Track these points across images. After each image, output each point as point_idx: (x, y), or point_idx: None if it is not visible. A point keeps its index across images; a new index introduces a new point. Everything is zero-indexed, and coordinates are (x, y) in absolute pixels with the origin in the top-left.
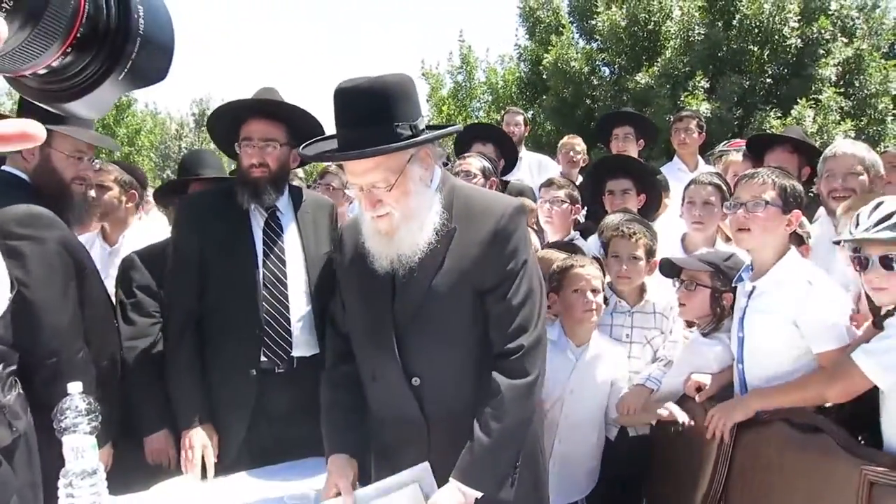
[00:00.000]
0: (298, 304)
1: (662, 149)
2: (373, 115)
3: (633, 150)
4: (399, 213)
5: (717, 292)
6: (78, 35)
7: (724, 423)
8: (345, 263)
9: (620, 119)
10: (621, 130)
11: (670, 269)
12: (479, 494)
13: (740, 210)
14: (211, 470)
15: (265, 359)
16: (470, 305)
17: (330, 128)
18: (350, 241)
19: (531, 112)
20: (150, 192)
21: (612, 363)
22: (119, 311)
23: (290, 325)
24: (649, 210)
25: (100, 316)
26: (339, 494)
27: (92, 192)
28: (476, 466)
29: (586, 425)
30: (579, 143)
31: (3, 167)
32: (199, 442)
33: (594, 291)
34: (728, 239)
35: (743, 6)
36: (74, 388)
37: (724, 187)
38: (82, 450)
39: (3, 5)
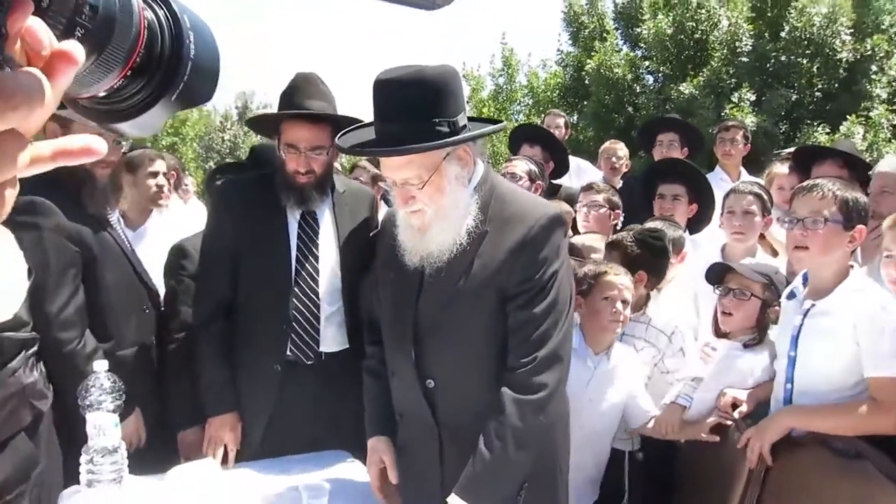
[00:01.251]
0: (329, 301)
1: (704, 159)
2: (411, 109)
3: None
4: (432, 210)
5: (767, 305)
6: (135, 62)
7: (761, 445)
8: (382, 255)
9: (665, 125)
10: (666, 137)
11: (716, 275)
12: None
13: (797, 227)
14: (232, 458)
15: (290, 353)
16: (492, 313)
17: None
18: (388, 232)
19: (573, 117)
20: (189, 181)
21: (631, 373)
22: (170, 299)
23: (319, 322)
24: (699, 223)
25: (115, 303)
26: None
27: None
28: (476, 483)
29: (602, 435)
30: (622, 149)
31: None
32: (223, 429)
33: (624, 302)
34: (774, 252)
35: (793, 18)
36: (100, 365)
37: (766, 196)
38: (104, 427)
39: (77, 31)
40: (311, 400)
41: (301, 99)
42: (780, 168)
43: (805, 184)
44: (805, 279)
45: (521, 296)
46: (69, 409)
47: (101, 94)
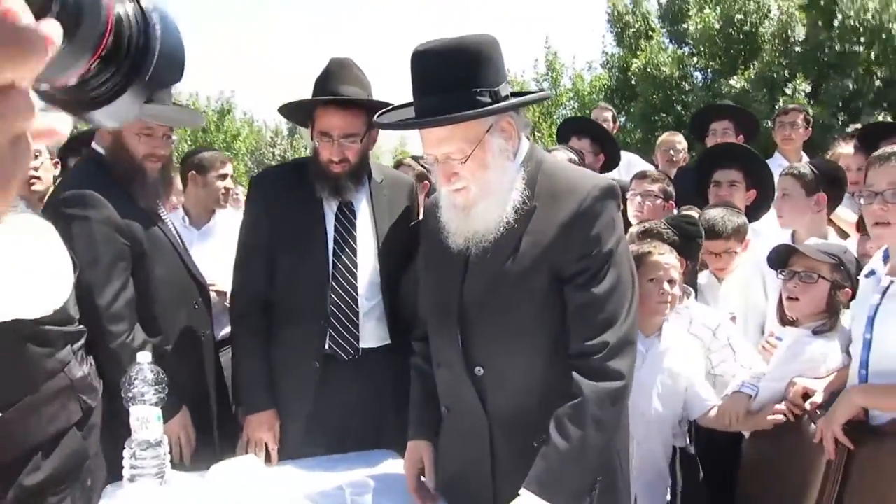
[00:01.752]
0: (368, 295)
1: (761, 148)
2: (450, 80)
3: None
4: (476, 187)
5: (836, 287)
6: (104, 49)
7: (833, 430)
8: (426, 240)
9: (718, 112)
10: (720, 125)
11: (780, 258)
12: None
13: (876, 201)
14: (274, 456)
15: (329, 349)
16: (544, 294)
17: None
18: (431, 217)
19: (620, 119)
20: (240, 190)
21: (687, 356)
22: None
23: (357, 317)
24: (758, 210)
25: (165, 297)
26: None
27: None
28: (553, 475)
29: (664, 424)
30: (681, 141)
31: (92, 145)
32: (261, 429)
33: (671, 282)
34: (844, 234)
35: (844, 5)
36: (143, 357)
37: (812, 175)
38: (147, 420)
39: (51, 11)
40: (352, 397)
41: (334, 84)
42: (845, 148)
43: (880, 152)
44: (886, 255)
45: (580, 275)
46: (118, 403)
47: (73, 82)
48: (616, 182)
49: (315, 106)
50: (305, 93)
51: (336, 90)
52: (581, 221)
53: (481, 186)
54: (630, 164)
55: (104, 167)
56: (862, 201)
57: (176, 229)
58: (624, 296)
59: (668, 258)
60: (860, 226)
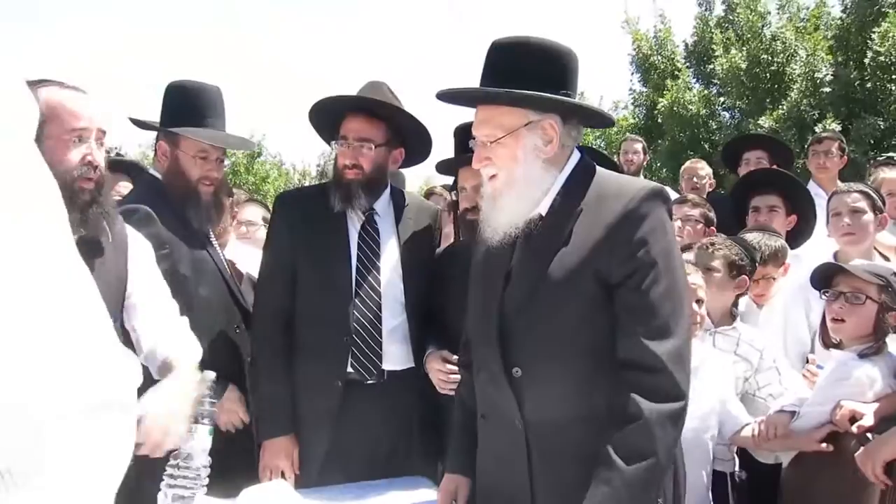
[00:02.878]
0: (392, 315)
1: None
2: (512, 72)
3: None
4: (503, 175)
5: (884, 309)
6: None
7: (872, 464)
8: (473, 257)
9: (751, 143)
10: (753, 155)
11: (824, 278)
12: None
13: None
14: (290, 484)
15: (352, 370)
16: (588, 298)
17: (437, 133)
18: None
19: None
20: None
21: (719, 375)
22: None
23: (381, 336)
24: (801, 235)
25: (205, 319)
26: None
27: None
28: (615, 501)
29: (696, 447)
30: (703, 168)
31: (150, 170)
32: (278, 456)
33: (698, 302)
34: (885, 258)
35: (875, 44)
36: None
37: (875, 194)
38: (198, 435)
39: None
40: (374, 422)
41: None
42: (889, 173)
43: None
44: None
45: (629, 278)
46: None
47: None
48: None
49: (342, 117)
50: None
51: (360, 98)
52: (627, 222)
53: (507, 177)
54: None
55: (160, 189)
56: None
57: (223, 254)
58: (679, 304)
59: (694, 278)
60: None
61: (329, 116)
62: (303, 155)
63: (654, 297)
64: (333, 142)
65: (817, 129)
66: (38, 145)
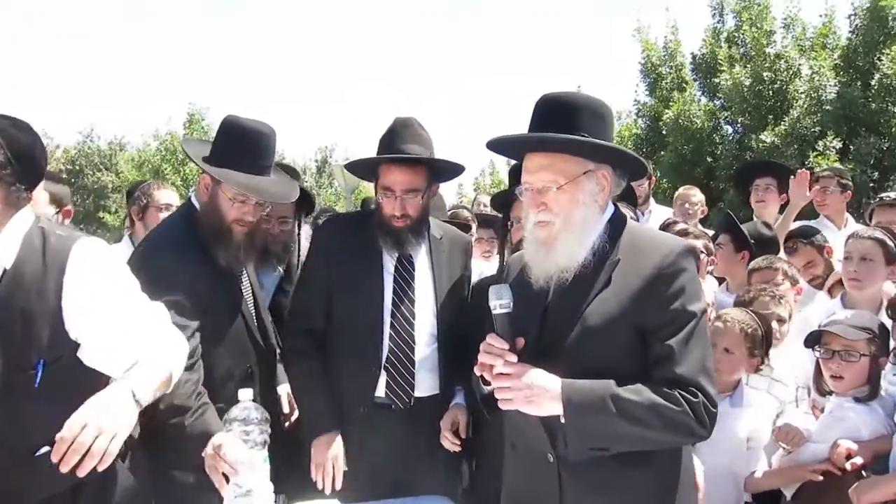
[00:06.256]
0: (425, 345)
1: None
2: (564, 121)
3: (773, 203)
4: (560, 221)
5: (875, 359)
6: None
7: (858, 500)
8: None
9: (762, 169)
10: (763, 181)
11: (815, 339)
12: (559, 408)
13: None
14: (339, 479)
15: (385, 396)
16: (624, 346)
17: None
18: (515, 266)
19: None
20: None
21: (752, 413)
22: None
23: (414, 365)
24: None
25: (216, 355)
26: None
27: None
28: (588, 394)
29: (725, 483)
30: (696, 194)
31: (191, 199)
32: (328, 451)
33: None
34: None
35: (884, 66)
36: (245, 395)
37: (892, 242)
38: (253, 465)
39: None
40: (400, 444)
41: (398, 143)
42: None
43: None
44: None
45: (667, 326)
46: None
47: None
48: None
49: (379, 163)
50: (326, 133)
51: (399, 148)
52: (665, 275)
53: (565, 221)
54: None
55: (193, 221)
56: None
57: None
58: (707, 350)
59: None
60: None
61: (368, 166)
62: (303, 148)
63: (688, 345)
64: (376, 185)
65: (818, 146)
66: None
